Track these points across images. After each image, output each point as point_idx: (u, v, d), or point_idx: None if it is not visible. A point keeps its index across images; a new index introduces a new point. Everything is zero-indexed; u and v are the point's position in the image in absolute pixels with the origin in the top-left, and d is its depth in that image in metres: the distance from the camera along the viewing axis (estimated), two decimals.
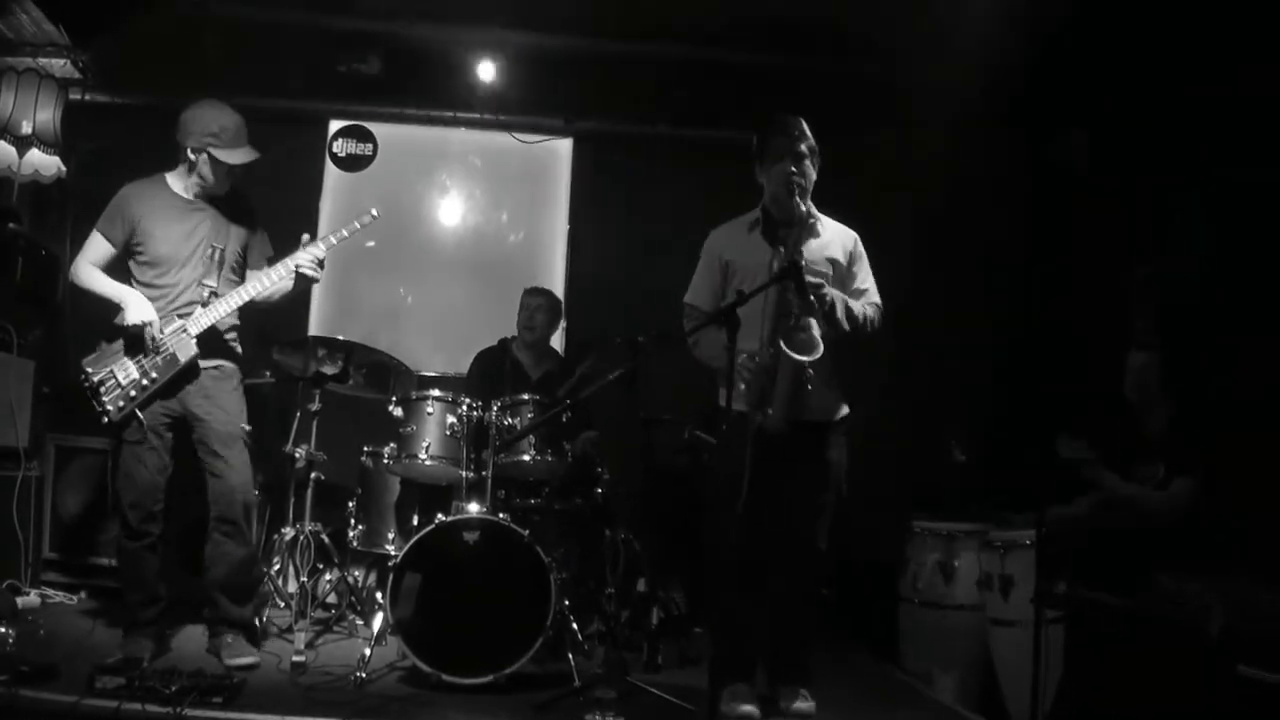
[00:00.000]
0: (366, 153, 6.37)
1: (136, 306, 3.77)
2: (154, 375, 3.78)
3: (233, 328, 4.02)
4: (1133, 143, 4.80)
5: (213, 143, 3.85)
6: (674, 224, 5.46)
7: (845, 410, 3.64)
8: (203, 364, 3.87)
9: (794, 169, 3.55)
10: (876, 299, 3.69)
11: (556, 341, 5.66)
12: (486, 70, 6.15)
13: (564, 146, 6.50)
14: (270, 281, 3.90)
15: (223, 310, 3.85)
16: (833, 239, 3.68)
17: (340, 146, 6.36)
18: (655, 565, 4.72)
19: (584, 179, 6.47)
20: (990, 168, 5.56)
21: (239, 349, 4.05)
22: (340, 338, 4.53)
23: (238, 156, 3.88)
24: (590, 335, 5.35)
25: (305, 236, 3.96)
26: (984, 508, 4.47)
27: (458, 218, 6.49)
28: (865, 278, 3.72)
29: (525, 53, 6.14)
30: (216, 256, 3.93)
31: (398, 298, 6.37)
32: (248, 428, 3.96)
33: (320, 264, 3.94)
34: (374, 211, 4.05)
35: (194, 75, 5.44)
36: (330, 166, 6.34)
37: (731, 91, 5.97)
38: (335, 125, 6.36)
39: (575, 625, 4.18)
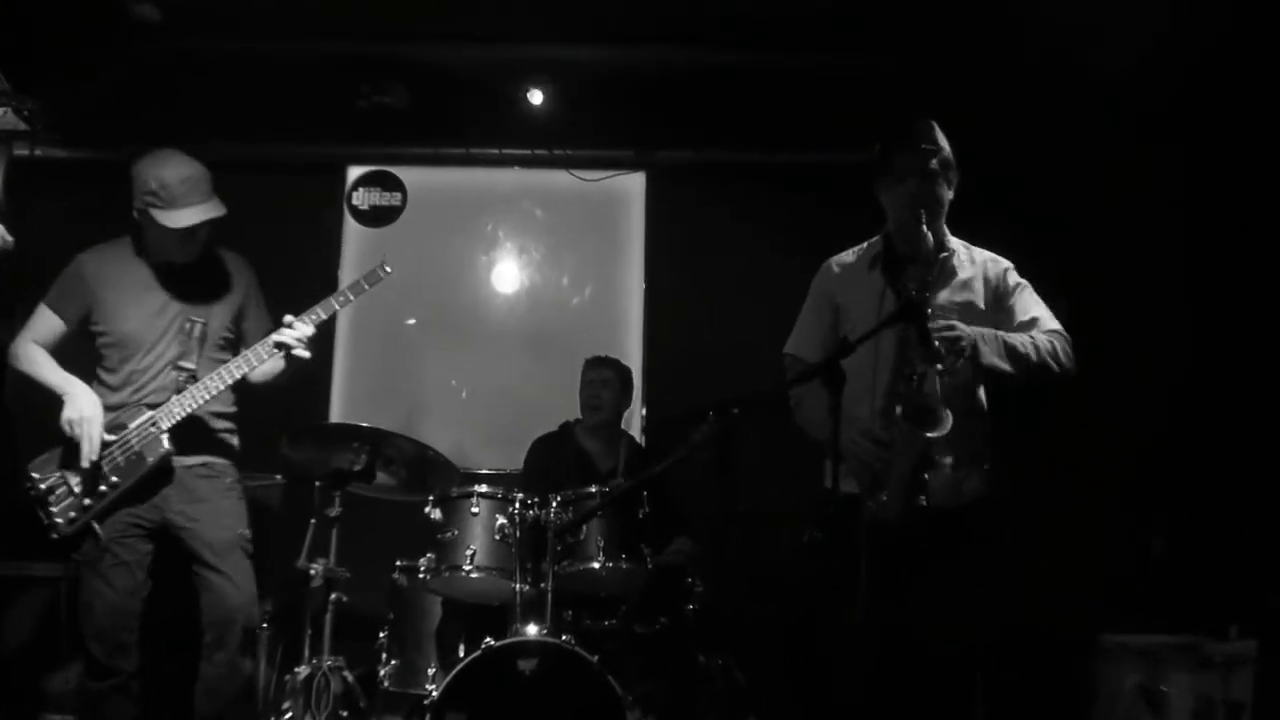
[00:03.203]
0: (394, 203, 6.57)
1: (75, 400, 3.87)
2: (115, 480, 3.87)
3: (225, 416, 4.13)
4: None
5: (151, 202, 3.93)
6: (776, 271, 5.49)
7: (986, 493, 3.56)
8: (184, 462, 3.97)
9: (920, 190, 3.53)
10: (1053, 325, 3.59)
11: (633, 423, 5.70)
12: (536, 95, 6.30)
13: (635, 183, 6.63)
14: (256, 360, 3.99)
15: (202, 397, 3.95)
16: (974, 275, 3.65)
17: (361, 198, 6.57)
18: (767, 702, 4.65)
19: (661, 221, 6.57)
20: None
21: (234, 443, 4.15)
22: (364, 424, 4.61)
23: (182, 218, 3.93)
24: (676, 412, 5.37)
25: (288, 318, 4.03)
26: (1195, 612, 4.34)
27: (510, 277, 6.64)
28: (1029, 306, 3.63)
29: (583, 72, 6.28)
30: (197, 332, 4.04)
31: (438, 379, 6.50)
32: (247, 533, 4.03)
33: (307, 342, 3.99)
34: (386, 268, 4.15)
35: (173, 121, 5.63)
36: (350, 221, 6.54)
37: (845, 106, 6.00)
38: (355, 172, 6.60)
39: None
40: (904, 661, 3.40)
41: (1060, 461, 5.30)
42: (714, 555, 4.90)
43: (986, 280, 3.65)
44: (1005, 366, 3.42)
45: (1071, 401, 5.29)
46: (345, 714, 4.72)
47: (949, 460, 3.36)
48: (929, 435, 3.22)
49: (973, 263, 3.67)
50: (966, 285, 3.62)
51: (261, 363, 4.01)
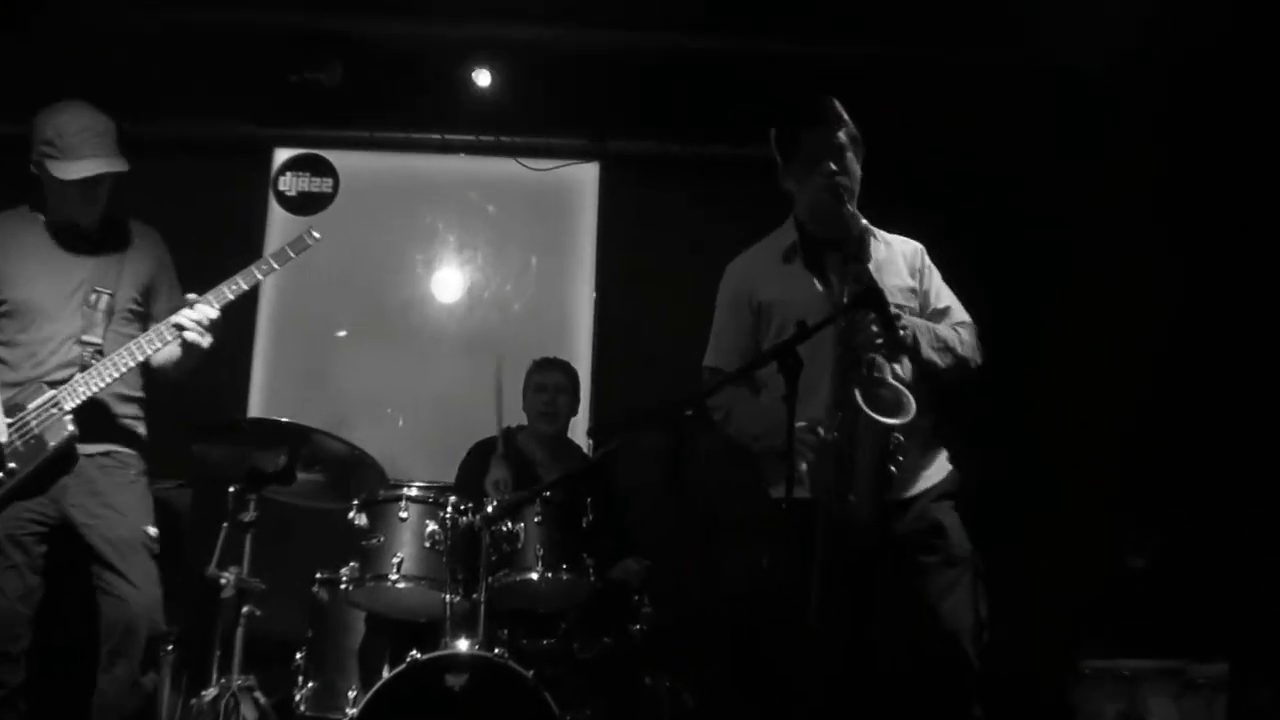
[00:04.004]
0: (324, 189, 6.54)
1: None
2: (12, 466, 3.81)
3: (132, 400, 4.08)
4: None
5: (46, 152, 3.92)
6: None
7: (949, 469, 3.62)
8: (86, 450, 3.90)
9: (835, 166, 3.55)
10: (963, 316, 3.69)
11: (578, 432, 5.67)
12: (483, 77, 6.30)
13: (588, 174, 6.66)
14: (158, 342, 3.93)
15: (108, 375, 3.89)
16: (895, 256, 3.70)
17: (289, 182, 6.53)
18: None
19: (615, 215, 6.59)
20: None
21: (141, 431, 4.10)
22: (285, 420, 4.56)
23: (75, 170, 3.90)
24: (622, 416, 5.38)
25: (191, 297, 3.98)
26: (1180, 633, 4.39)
27: (449, 273, 6.65)
28: (941, 293, 3.73)
29: (535, 53, 6.28)
30: (102, 304, 3.99)
31: (368, 382, 6.47)
32: (153, 531, 3.97)
33: (208, 325, 3.93)
34: (314, 234, 4.12)
35: (85, 96, 5.58)
36: (276, 208, 6.51)
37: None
38: (282, 155, 6.56)
39: None
40: (878, 674, 3.43)
41: (1039, 478, 5.33)
42: (665, 569, 4.90)
43: (909, 261, 3.71)
44: (939, 361, 3.50)
45: (1053, 412, 5.37)
46: None
47: (911, 452, 3.37)
48: (893, 422, 3.22)
49: (888, 244, 3.72)
50: (889, 265, 3.66)
51: (164, 344, 3.93)
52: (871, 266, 3.57)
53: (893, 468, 3.30)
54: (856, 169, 3.62)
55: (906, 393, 3.27)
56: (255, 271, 4.04)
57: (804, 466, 3.34)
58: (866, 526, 3.31)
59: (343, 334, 6.49)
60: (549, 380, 5.32)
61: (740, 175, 6.33)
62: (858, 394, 3.25)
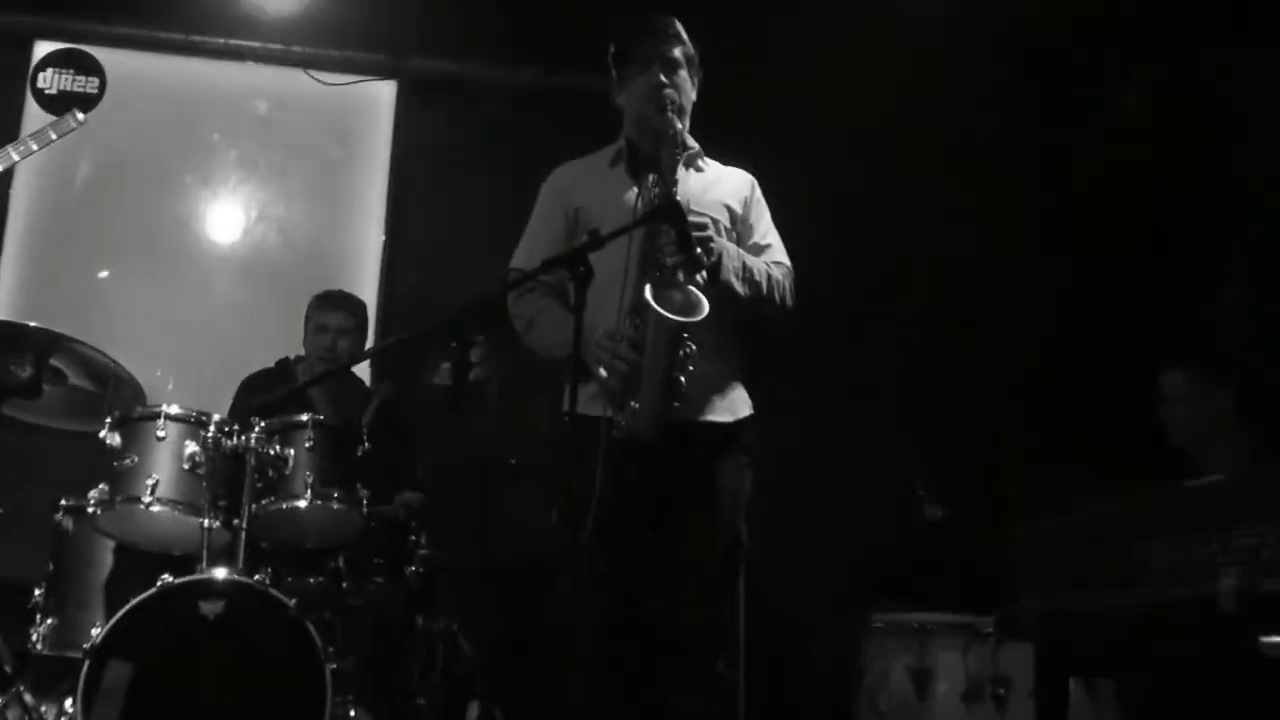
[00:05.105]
0: (90, 90, 6.36)
1: None
2: None
3: None
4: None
5: None
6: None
7: (747, 411, 3.68)
8: None
9: (665, 78, 3.63)
10: (783, 258, 3.78)
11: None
12: None
13: (385, 93, 6.63)
14: None
15: None
16: (721, 178, 3.80)
17: (49, 79, 6.34)
18: (498, 683, 4.67)
19: (412, 139, 6.58)
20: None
21: None
22: (32, 324, 4.42)
23: None
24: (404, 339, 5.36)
25: None
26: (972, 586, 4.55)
27: (227, 190, 6.56)
28: (768, 230, 3.81)
29: None
30: None
31: (134, 306, 6.35)
32: None
33: None
34: (79, 115, 4.03)
35: None
36: (33, 107, 6.32)
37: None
38: (43, 48, 6.37)
39: None
40: (649, 597, 3.47)
41: (829, 427, 5.50)
42: (445, 508, 4.91)
43: (736, 188, 3.80)
44: (739, 289, 3.53)
45: (845, 359, 5.56)
46: None
47: (704, 363, 3.41)
48: (684, 320, 3.26)
49: (716, 168, 3.81)
50: (715, 186, 3.75)
51: None
52: (700, 181, 3.69)
53: (681, 377, 3.34)
54: (689, 88, 3.71)
55: (700, 295, 3.32)
56: (11, 153, 3.96)
57: (603, 373, 3.39)
58: (645, 438, 3.35)
59: (104, 275, 6.33)
60: (331, 322, 5.18)
61: (546, 102, 6.41)
62: (648, 290, 3.28)
